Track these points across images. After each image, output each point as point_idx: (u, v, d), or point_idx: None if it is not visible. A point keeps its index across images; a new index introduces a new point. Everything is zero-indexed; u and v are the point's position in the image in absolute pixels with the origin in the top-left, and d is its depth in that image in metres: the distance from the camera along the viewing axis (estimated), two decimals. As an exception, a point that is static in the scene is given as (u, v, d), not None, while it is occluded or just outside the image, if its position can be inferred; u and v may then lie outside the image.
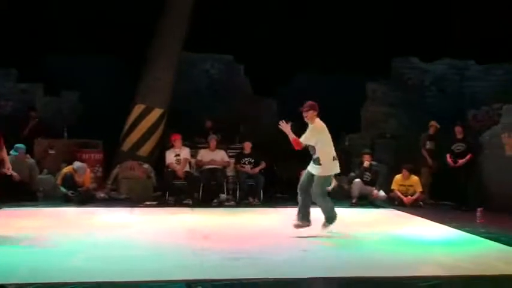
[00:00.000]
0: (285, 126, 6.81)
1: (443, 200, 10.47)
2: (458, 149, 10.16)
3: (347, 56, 12.58)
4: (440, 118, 12.29)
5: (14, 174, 9.42)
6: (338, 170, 7.08)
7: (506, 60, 12.77)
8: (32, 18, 11.96)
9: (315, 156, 6.83)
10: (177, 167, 10.06)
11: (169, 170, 10.10)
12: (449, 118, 11.20)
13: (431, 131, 10.98)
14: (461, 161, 9.98)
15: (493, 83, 12.94)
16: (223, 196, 10.09)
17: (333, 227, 6.99)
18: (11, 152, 9.67)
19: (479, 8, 12.16)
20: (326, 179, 6.97)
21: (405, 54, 13.18)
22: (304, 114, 6.88)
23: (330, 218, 6.98)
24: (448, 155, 10.21)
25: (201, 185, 10.22)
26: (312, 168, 6.90)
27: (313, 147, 6.84)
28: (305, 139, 6.87)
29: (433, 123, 11.03)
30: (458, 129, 10.25)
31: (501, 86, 12.64)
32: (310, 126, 6.91)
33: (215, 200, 10.00)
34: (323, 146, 6.81)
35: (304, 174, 7.14)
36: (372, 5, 13.01)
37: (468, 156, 9.98)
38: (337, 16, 12.94)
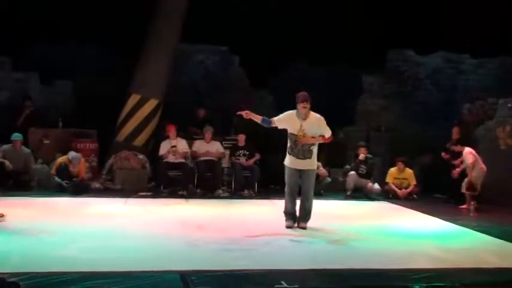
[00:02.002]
0: None
1: (435, 192, 10.52)
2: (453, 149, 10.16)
3: (342, 48, 12.54)
4: (434, 111, 12.32)
5: (7, 163, 9.43)
6: None
7: (501, 55, 12.81)
8: (24, 6, 11.86)
9: (309, 148, 6.65)
10: (172, 158, 10.05)
11: (163, 161, 10.10)
12: (443, 111, 11.21)
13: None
14: (457, 161, 9.91)
15: (487, 77, 12.98)
16: (219, 191, 10.06)
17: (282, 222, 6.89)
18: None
19: (475, 1, 12.16)
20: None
21: (400, 47, 13.18)
22: (307, 106, 6.64)
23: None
24: (442, 153, 10.23)
25: (196, 176, 10.22)
26: (298, 164, 6.71)
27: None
28: (328, 131, 6.77)
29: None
30: (455, 130, 10.19)
31: (495, 80, 12.69)
32: (317, 118, 6.71)
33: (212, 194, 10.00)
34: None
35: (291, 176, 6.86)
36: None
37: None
38: (332, 7, 12.90)
